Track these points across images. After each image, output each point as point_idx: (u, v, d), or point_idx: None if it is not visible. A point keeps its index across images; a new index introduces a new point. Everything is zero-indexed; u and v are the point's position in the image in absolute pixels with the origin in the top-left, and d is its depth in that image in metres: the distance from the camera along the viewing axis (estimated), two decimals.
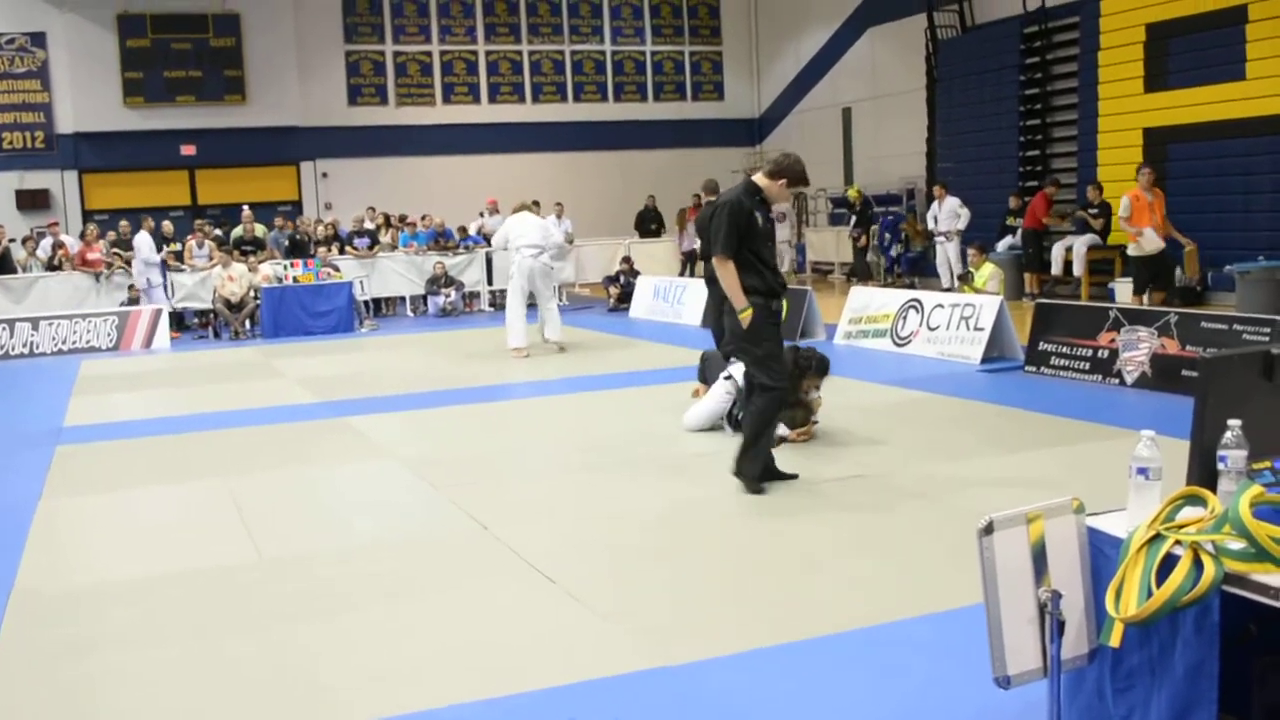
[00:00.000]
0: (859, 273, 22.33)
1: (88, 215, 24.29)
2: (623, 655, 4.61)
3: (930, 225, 19.83)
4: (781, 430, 8.24)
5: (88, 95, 24.52)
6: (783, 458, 7.53)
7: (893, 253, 22.43)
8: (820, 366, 8.48)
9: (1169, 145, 17.24)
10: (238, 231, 20.47)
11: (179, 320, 19.36)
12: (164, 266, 19.12)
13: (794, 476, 7.25)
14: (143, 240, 18.96)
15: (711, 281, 11.10)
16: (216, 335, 18.67)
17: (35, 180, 24.50)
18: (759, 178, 7.16)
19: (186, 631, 5.12)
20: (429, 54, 27.64)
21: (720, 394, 8.91)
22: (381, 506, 7.32)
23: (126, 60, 24.72)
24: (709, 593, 5.33)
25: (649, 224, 25.29)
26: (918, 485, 7.09)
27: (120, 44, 24.67)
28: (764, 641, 4.63)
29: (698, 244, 22.53)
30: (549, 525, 6.60)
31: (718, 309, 9.95)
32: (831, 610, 5.01)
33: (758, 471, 7.10)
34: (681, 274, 22.30)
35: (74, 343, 17.48)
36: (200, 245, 19.77)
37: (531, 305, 14.66)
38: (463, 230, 22.50)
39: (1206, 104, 16.48)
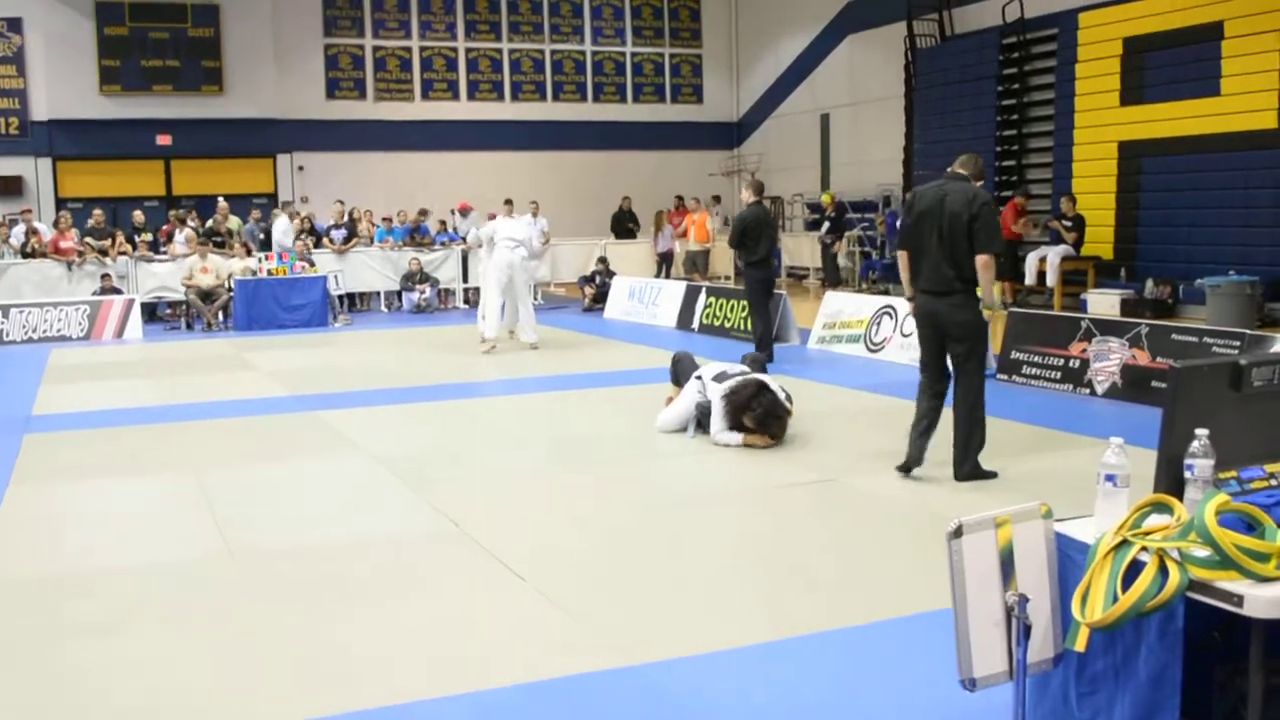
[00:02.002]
0: (830, 279, 22.35)
1: (60, 203, 24.11)
2: (591, 654, 4.62)
3: None
4: (731, 438, 8.31)
5: (63, 82, 24.36)
6: (751, 461, 7.55)
7: (873, 257, 22.54)
8: (761, 420, 8.31)
9: (1143, 159, 17.36)
10: (210, 223, 20.40)
11: (151, 311, 19.25)
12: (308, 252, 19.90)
13: (993, 475, 7.28)
14: (281, 225, 19.09)
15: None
16: (189, 326, 18.57)
17: (8, 167, 24.31)
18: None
19: (153, 623, 5.10)
20: (409, 49, 27.57)
21: (691, 395, 8.92)
22: (352, 502, 7.29)
23: (104, 48, 24.57)
24: (678, 593, 5.34)
25: (625, 225, 25.29)
26: (888, 490, 7.12)
27: (98, 31, 24.52)
28: (732, 642, 4.65)
29: (674, 245, 22.84)
30: (520, 523, 6.60)
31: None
32: (799, 612, 5.02)
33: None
34: (658, 275, 22.32)
35: (44, 331, 17.36)
36: (180, 231, 19.70)
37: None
38: (441, 224, 22.43)
39: (1181, 119, 16.60)
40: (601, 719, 4.04)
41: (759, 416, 8.27)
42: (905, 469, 7.31)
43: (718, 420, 8.44)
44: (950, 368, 7.28)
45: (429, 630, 4.90)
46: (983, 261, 6.99)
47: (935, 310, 7.18)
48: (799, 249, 25.07)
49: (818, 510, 6.83)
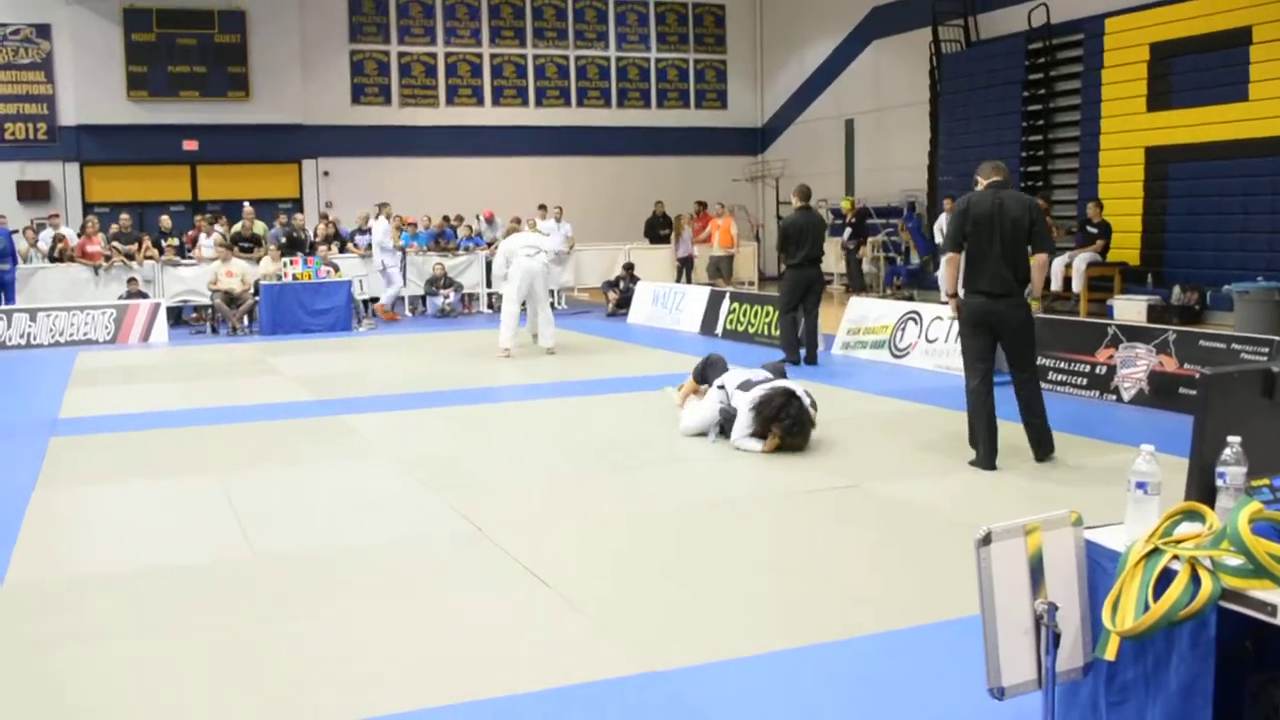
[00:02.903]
0: (855, 284, 22.30)
1: (88, 208, 24.24)
2: (613, 659, 4.60)
3: (937, 237, 19.85)
4: (753, 445, 8.29)
5: (91, 88, 24.50)
6: (775, 467, 7.52)
7: (898, 263, 22.48)
8: (789, 430, 8.30)
9: (1170, 164, 17.26)
10: (236, 228, 20.48)
11: (177, 315, 19.35)
12: (403, 253, 20.32)
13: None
14: (381, 226, 19.33)
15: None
16: (214, 331, 18.65)
17: (36, 172, 24.46)
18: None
19: (176, 625, 5.11)
20: (434, 55, 27.64)
21: (713, 402, 8.90)
22: (375, 506, 7.30)
23: (131, 54, 24.70)
24: (701, 598, 5.32)
25: (659, 230, 25.29)
26: (913, 495, 7.09)
27: (125, 37, 24.65)
28: (756, 649, 4.62)
29: (694, 250, 22.84)
30: (543, 528, 6.59)
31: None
32: (824, 619, 5.00)
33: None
34: (678, 280, 22.32)
35: (71, 335, 17.46)
36: (209, 234, 19.81)
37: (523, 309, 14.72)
38: (469, 229, 22.45)
39: (1208, 124, 16.50)
40: None
41: (787, 427, 8.25)
42: (990, 464, 7.69)
43: (743, 428, 8.41)
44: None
45: (451, 635, 4.90)
46: (1040, 261, 7.68)
47: (994, 310, 7.65)
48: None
49: (843, 516, 6.80)
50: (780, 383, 8.61)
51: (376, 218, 20.01)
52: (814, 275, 13.40)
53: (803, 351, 13.12)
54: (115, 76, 24.61)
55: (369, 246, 20.84)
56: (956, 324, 8.42)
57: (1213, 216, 16.37)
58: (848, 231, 22.82)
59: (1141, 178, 17.69)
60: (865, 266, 22.98)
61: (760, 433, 8.34)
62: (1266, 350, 9.37)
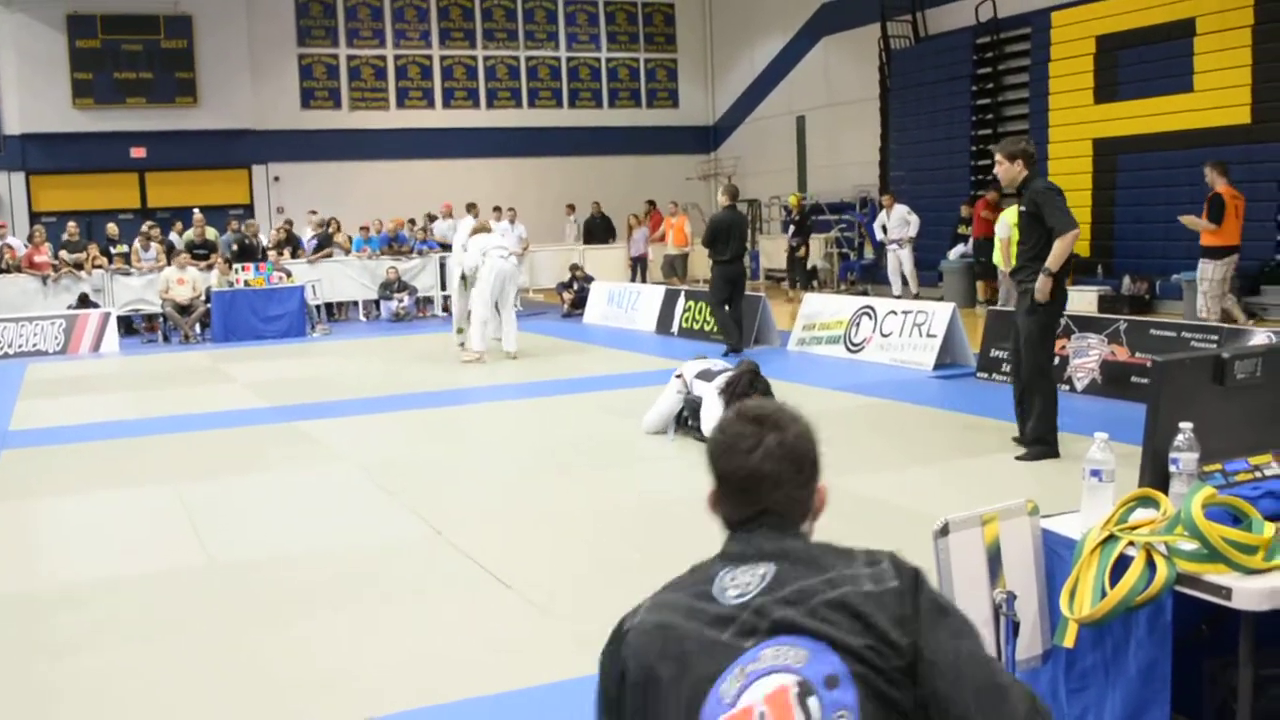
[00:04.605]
0: (797, 281, 22.07)
1: (35, 217, 23.96)
2: (578, 659, 4.59)
3: (879, 234, 19.99)
4: None
5: (36, 96, 24.22)
6: None
7: (851, 258, 22.54)
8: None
9: (1118, 156, 17.45)
10: (190, 235, 20.29)
11: (126, 324, 19.14)
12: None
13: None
14: (464, 224, 19.27)
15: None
16: (165, 339, 18.47)
17: None
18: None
19: (136, 636, 5.06)
20: (383, 58, 27.52)
21: (671, 394, 8.91)
22: (334, 512, 7.26)
23: (76, 61, 24.43)
24: None
25: (599, 232, 25.29)
26: (871, 489, 7.12)
27: (70, 44, 24.38)
28: None
29: (648, 249, 22.84)
30: (503, 530, 6.58)
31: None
32: None
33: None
34: (632, 280, 22.33)
35: (20, 346, 17.24)
36: (146, 248, 19.60)
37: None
38: (422, 230, 22.33)
39: (1155, 115, 16.69)
40: None
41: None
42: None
43: (713, 413, 8.35)
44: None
45: (413, 639, 4.88)
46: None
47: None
48: (776, 251, 25.06)
49: None
50: (743, 365, 8.60)
51: (462, 217, 20.06)
52: (740, 270, 14.12)
53: None
54: (60, 84, 24.34)
55: (317, 250, 20.76)
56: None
57: (1161, 207, 16.53)
58: (790, 229, 22.74)
59: (1090, 169, 17.87)
60: (819, 263, 23.01)
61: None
62: (1216, 337, 9.49)
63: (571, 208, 26.55)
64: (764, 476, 2.04)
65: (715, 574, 1.98)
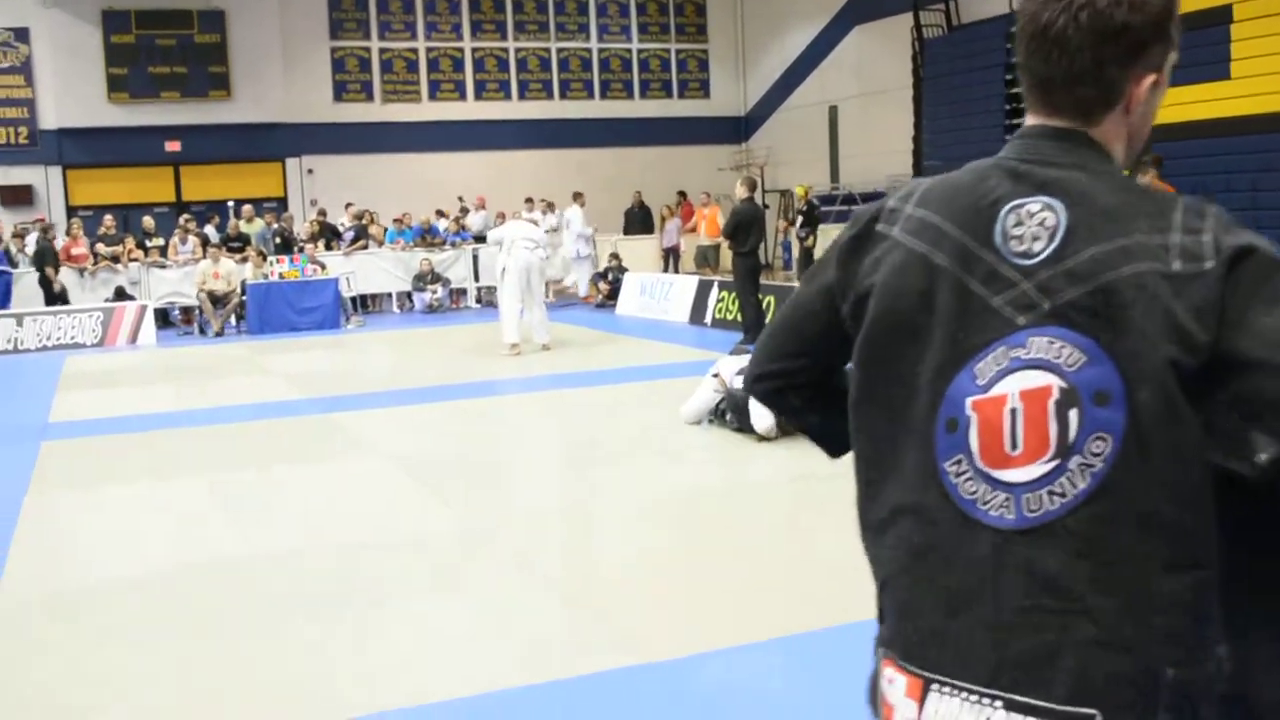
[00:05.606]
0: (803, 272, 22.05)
1: (71, 211, 24.13)
2: (614, 651, 4.61)
3: None
4: (771, 428, 8.27)
5: (72, 91, 24.39)
6: (771, 454, 7.52)
7: None
8: None
9: (1153, 145, 17.28)
10: (240, 225, 20.65)
11: (162, 317, 19.29)
12: (592, 240, 20.75)
13: None
14: (575, 214, 20.19)
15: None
16: (201, 331, 18.61)
17: (18, 176, 24.35)
18: None
19: (174, 629, 5.10)
20: (415, 50, 27.56)
21: (707, 389, 8.92)
22: (370, 503, 7.30)
23: (111, 56, 24.58)
24: (702, 588, 5.33)
25: (638, 222, 25.28)
26: None
27: (105, 39, 24.54)
28: (757, 636, 4.64)
29: (680, 240, 22.83)
30: (539, 521, 6.60)
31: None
32: (827, 604, 5.01)
33: None
34: (664, 270, 22.34)
35: (58, 339, 17.40)
36: (184, 241, 19.77)
37: None
38: (456, 222, 22.40)
39: (1191, 103, 16.53)
40: (629, 717, 4.04)
41: None
42: None
43: (764, 411, 8.31)
44: None
45: (451, 630, 4.90)
46: None
47: None
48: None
49: (841, 501, 6.80)
50: None
51: (570, 206, 20.99)
52: (759, 261, 14.61)
53: None
54: (95, 79, 24.49)
55: (352, 242, 20.90)
56: None
57: (1197, 194, 16.40)
58: (799, 220, 22.63)
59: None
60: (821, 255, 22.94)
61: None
62: None
63: (535, 201, 25.92)
64: (1055, 36, 1.55)
65: (999, 204, 1.55)
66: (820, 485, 7.18)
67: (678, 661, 4.42)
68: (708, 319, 16.57)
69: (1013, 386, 1.48)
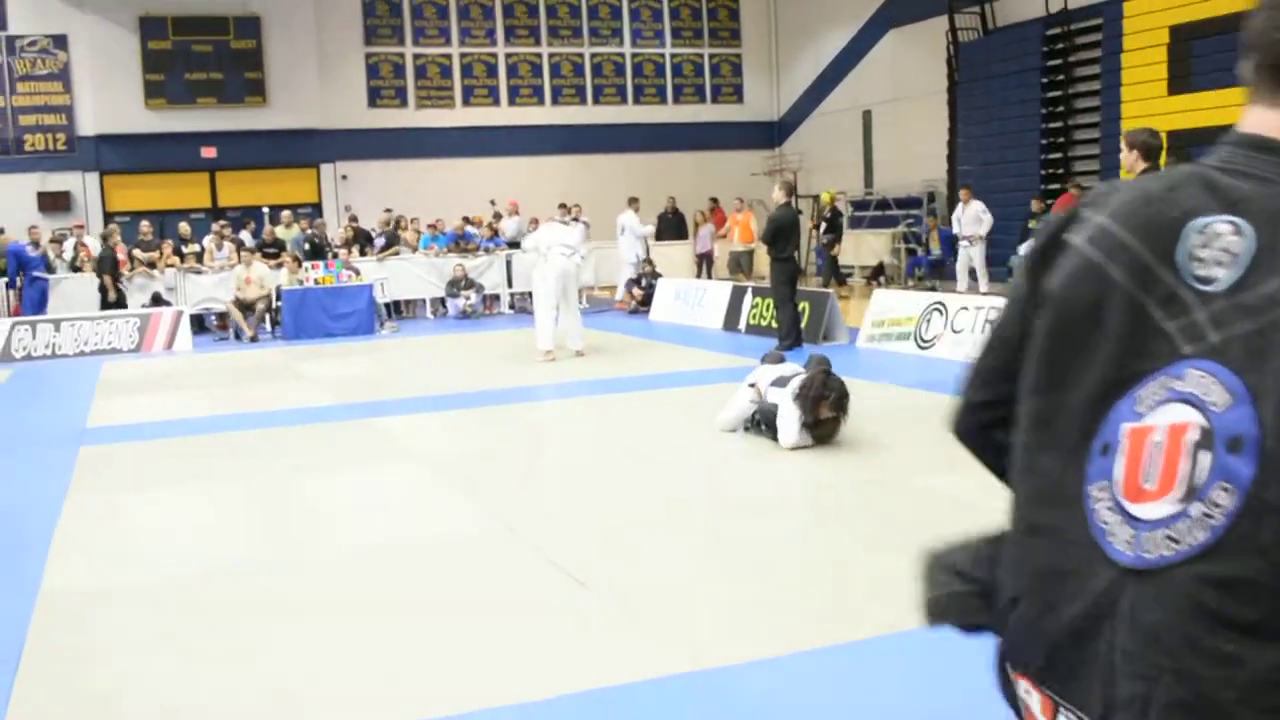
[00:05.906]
0: (827, 279, 21.81)
1: (109, 217, 24.36)
2: (654, 659, 4.57)
3: (955, 228, 19.80)
4: (804, 440, 8.19)
5: (109, 97, 24.61)
6: (810, 462, 7.47)
7: (919, 254, 22.37)
8: (837, 402, 8.20)
9: (1193, 148, 17.11)
10: (279, 231, 20.84)
11: (198, 323, 19.40)
12: (645, 241, 20.97)
13: None
14: (629, 218, 20.56)
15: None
16: (237, 337, 18.69)
17: (56, 182, 24.59)
18: None
19: (211, 633, 5.10)
20: (449, 56, 27.67)
21: (742, 398, 8.86)
22: (406, 508, 7.29)
23: (148, 62, 24.80)
24: (739, 595, 5.28)
25: (670, 228, 25.27)
26: (951, 488, 7.03)
27: (142, 46, 24.75)
28: (799, 645, 4.59)
29: (713, 246, 22.80)
30: (577, 527, 6.56)
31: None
32: (867, 614, 4.95)
33: None
34: (697, 276, 22.30)
35: (96, 344, 17.52)
36: (220, 247, 19.88)
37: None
38: (490, 228, 22.43)
39: (1231, 107, 16.31)
40: None
41: (836, 398, 8.16)
42: None
43: (792, 421, 8.25)
44: None
45: (489, 638, 4.87)
46: None
47: None
48: (844, 246, 24.93)
49: (882, 511, 6.75)
50: (814, 367, 8.51)
51: (625, 210, 21.29)
52: (797, 267, 14.68)
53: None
54: (133, 85, 24.71)
55: (384, 249, 21.00)
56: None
57: None
58: (823, 226, 22.54)
59: (1164, 162, 17.55)
60: (887, 259, 22.90)
61: (811, 418, 8.19)
62: None
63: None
64: None
65: (1185, 219, 1.43)
66: (863, 493, 7.13)
67: (721, 669, 4.38)
68: (741, 325, 16.51)
69: (1162, 419, 1.39)
